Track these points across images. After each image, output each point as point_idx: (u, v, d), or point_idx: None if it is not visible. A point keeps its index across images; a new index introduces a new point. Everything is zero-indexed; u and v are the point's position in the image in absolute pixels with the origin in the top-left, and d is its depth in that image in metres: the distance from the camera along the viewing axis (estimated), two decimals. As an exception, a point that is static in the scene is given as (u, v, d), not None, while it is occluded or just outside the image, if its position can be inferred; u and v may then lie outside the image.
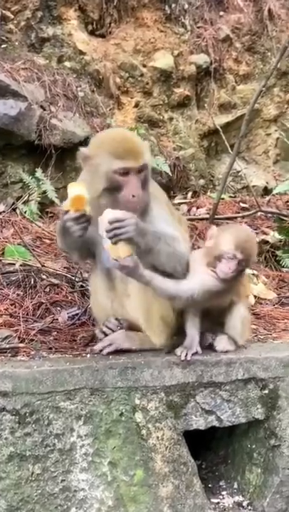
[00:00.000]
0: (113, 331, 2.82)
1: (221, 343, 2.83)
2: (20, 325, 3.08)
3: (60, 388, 2.54)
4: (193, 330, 2.75)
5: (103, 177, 2.66)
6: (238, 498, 2.82)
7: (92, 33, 5.54)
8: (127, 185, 2.65)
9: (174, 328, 2.85)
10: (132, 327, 2.85)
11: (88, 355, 2.78)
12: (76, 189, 2.65)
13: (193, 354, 2.70)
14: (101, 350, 2.73)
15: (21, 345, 2.84)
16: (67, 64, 5.31)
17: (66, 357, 2.77)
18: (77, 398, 2.56)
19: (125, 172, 2.65)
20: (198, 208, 5.22)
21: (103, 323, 2.87)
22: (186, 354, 2.68)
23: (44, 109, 4.85)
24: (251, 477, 2.83)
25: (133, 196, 2.64)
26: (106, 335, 2.82)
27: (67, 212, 2.65)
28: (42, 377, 2.54)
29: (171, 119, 5.56)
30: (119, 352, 2.74)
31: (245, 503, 2.80)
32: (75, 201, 2.62)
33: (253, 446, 2.85)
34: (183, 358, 2.68)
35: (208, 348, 2.82)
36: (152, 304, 2.76)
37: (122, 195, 2.65)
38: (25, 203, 4.64)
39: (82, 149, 2.81)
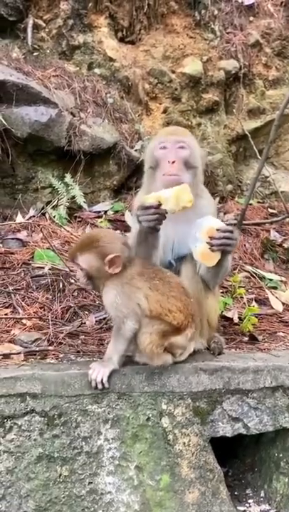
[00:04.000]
0: None
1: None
2: (49, 328, 3.13)
3: (88, 391, 2.57)
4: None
5: (148, 159, 2.95)
6: (265, 507, 2.79)
7: (122, 40, 5.58)
8: (164, 156, 2.83)
9: (215, 331, 2.96)
10: None
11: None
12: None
13: None
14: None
15: (50, 348, 2.89)
16: (97, 71, 5.37)
17: (94, 360, 2.79)
18: (104, 402, 2.58)
19: (163, 146, 2.86)
20: (225, 213, 5.21)
21: None
22: None
23: (74, 116, 4.91)
24: (278, 486, 2.80)
25: (169, 162, 2.79)
26: None
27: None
28: (70, 380, 2.57)
29: (199, 124, 5.56)
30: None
31: (271, 512, 2.78)
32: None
33: (281, 455, 2.82)
34: None
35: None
36: (202, 305, 2.84)
37: (161, 167, 2.83)
38: (54, 207, 4.71)
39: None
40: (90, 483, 2.56)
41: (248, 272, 4.30)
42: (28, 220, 4.54)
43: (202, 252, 2.70)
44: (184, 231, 2.78)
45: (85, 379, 2.58)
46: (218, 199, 5.46)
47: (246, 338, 3.23)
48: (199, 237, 2.69)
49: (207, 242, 2.67)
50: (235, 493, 2.88)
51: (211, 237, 2.67)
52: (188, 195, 2.65)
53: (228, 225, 2.79)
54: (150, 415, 2.61)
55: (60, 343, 3.01)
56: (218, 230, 2.66)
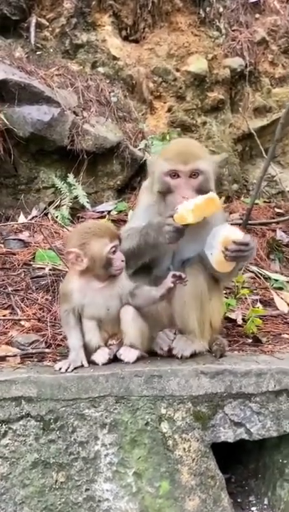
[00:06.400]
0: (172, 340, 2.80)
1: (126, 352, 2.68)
2: (47, 330, 3.06)
3: (85, 395, 2.50)
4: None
5: (157, 180, 2.75)
6: (269, 515, 2.71)
7: (126, 38, 5.53)
8: (177, 188, 2.70)
9: (217, 333, 2.92)
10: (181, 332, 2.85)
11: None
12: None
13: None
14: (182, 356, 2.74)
15: (47, 350, 2.82)
16: (100, 69, 5.32)
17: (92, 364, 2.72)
18: (102, 406, 2.51)
19: (174, 174, 2.71)
20: (231, 213, 5.12)
21: (158, 336, 2.82)
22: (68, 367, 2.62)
23: (77, 115, 4.86)
24: (282, 493, 2.71)
25: (183, 198, 2.66)
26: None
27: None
28: (67, 384, 2.50)
29: (204, 123, 5.48)
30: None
31: (275, 520, 2.69)
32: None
33: (285, 461, 2.73)
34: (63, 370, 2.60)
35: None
36: (205, 307, 2.78)
37: (173, 198, 2.70)
38: (56, 207, 4.65)
39: (149, 157, 2.99)
40: (87, 489, 2.49)
41: (253, 272, 4.22)
42: (30, 220, 4.49)
43: (217, 260, 2.70)
44: (187, 240, 2.71)
45: (81, 382, 2.51)
46: (223, 199, 5.37)
47: (250, 340, 3.15)
48: (215, 245, 2.68)
49: (222, 251, 2.65)
50: (238, 500, 2.79)
51: (226, 248, 2.64)
52: (216, 207, 2.65)
53: (246, 233, 2.76)
54: (149, 420, 2.54)
55: (59, 345, 2.95)
56: (234, 242, 2.63)
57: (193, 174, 2.71)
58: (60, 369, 2.57)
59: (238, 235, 2.67)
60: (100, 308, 2.67)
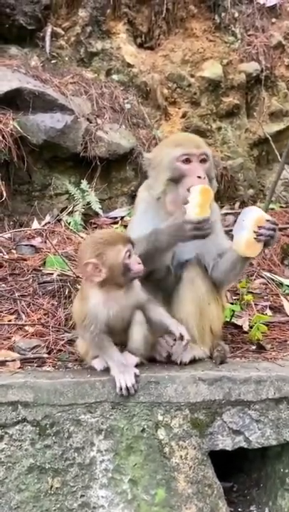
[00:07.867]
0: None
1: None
2: (50, 335, 3.08)
3: (81, 401, 2.50)
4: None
5: (167, 168, 2.74)
6: (269, 526, 2.64)
7: (141, 45, 5.56)
8: (191, 171, 2.70)
9: (219, 339, 2.87)
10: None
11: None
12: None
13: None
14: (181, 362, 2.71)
15: (45, 355, 2.83)
16: (115, 77, 5.36)
17: (90, 369, 2.71)
18: (98, 411, 2.50)
19: (187, 159, 2.71)
20: (246, 218, 5.05)
21: (158, 343, 2.78)
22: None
23: (90, 122, 4.90)
24: (283, 503, 2.65)
25: (199, 177, 2.67)
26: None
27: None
28: (63, 389, 2.51)
29: (219, 128, 5.45)
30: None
31: (275, 531, 2.62)
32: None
33: (286, 471, 2.67)
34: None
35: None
36: (204, 312, 2.76)
37: (187, 180, 2.68)
38: (69, 214, 4.68)
39: (146, 154, 2.96)
40: (82, 496, 2.48)
41: (265, 278, 4.15)
42: (43, 226, 4.53)
43: (247, 240, 2.62)
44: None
45: (78, 387, 2.51)
46: (238, 204, 5.33)
47: (254, 347, 3.09)
48: (247, 225, 2.62)
49: (255, 231, 2.60)
50: (239, 509, 2.73)
51: (259, 227, 2.60)
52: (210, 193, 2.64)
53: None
54: (145, 426, 2.52)
55: (60, 350, 2.95)
56: (268, 221, 2.62)
57: (204, 159, 2.75)
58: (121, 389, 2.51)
59: (268, 216, 2.67)
60: (117, 321, 2.63)
